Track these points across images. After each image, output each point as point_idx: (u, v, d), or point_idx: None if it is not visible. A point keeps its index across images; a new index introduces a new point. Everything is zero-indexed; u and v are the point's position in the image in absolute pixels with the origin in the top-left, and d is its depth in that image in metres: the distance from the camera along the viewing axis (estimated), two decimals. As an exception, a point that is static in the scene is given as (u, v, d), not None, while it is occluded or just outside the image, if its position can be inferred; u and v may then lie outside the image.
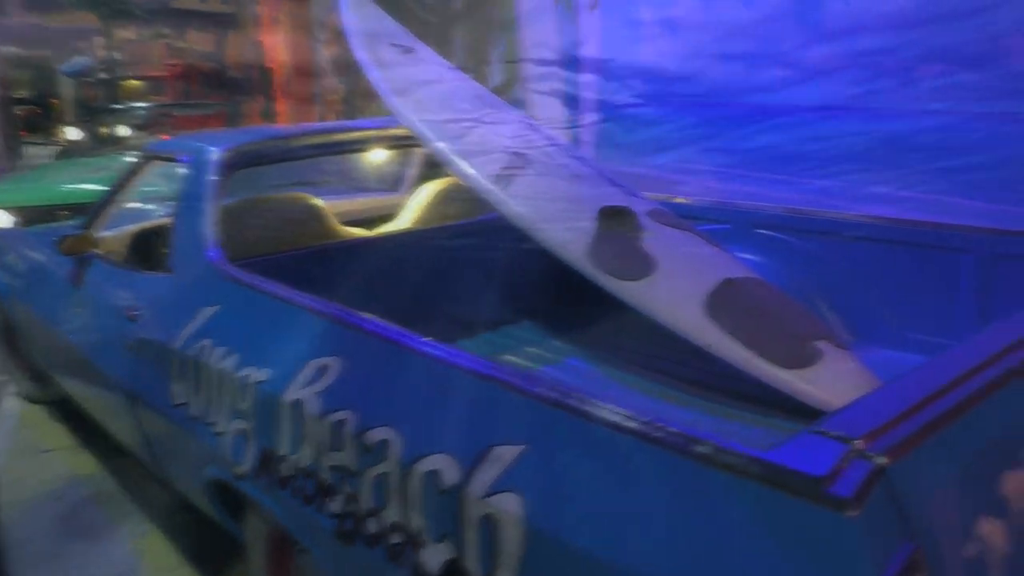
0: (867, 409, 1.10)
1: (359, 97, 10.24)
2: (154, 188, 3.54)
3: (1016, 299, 2.13)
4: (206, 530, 2.53)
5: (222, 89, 13.38)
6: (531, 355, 2.79)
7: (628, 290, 2.25)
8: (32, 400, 4.03)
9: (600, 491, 1.14)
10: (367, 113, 9.24)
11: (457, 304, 3.03)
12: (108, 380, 2.62)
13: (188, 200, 2.53)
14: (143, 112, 9.45)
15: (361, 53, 2.99)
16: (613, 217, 2.44)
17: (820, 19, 3.21)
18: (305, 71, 11.59)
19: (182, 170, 2.65)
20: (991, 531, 1.05)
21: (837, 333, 2.36)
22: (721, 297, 2.22)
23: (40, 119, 16.28)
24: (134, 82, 12.36)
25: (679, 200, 3.05)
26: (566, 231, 2.41)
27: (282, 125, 10.01)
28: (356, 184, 3.94)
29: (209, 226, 2.38)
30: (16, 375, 4.09)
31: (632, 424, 1.14)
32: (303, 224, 2.86)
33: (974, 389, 1.14)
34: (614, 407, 1.18)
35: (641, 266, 2.29)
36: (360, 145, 3.05)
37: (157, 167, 2.95)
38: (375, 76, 2.90)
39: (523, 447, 1.25)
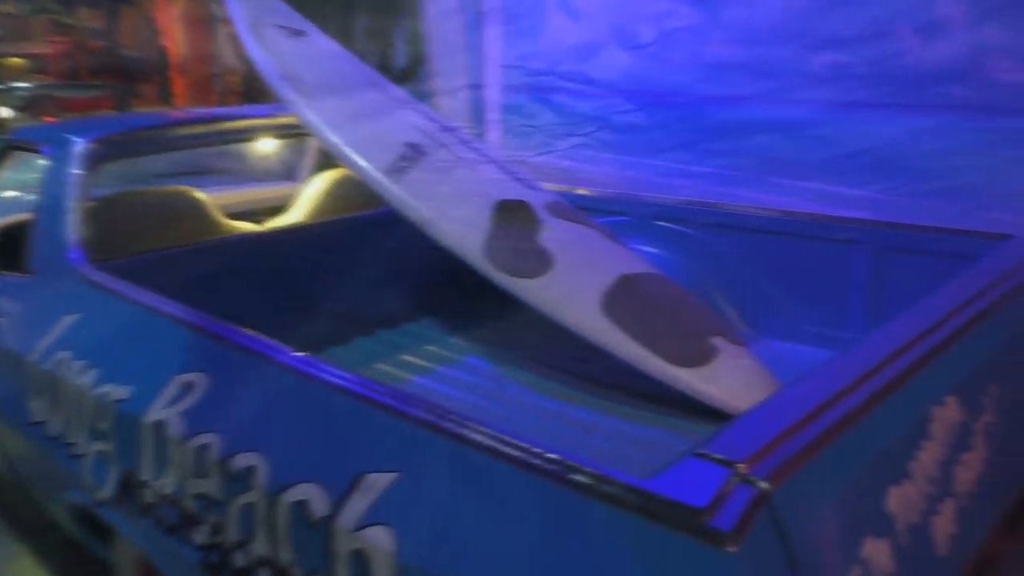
0: (751, 427, 1.06)
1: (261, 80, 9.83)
2: (23, 178, 3.27)
3: (906, 291, 2.16)
4: (76, 553, 2.34)
5: (113, 70, 12.73)
6: (430, 354, 2.69)
7: (524, 288, 2.18)
8: None
9: (475, 522, 1.06)
10: (270, 98, 8.89)
11: (353, 302, 2.90)
12: None
13: (49, 195, 2.32)
14: (24, 93, 8.86)
15: (245, 35, 2.81)
16: (509, 212, 2.36)
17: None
18: (203, 52, 11.10)
19: (44, 161, 2.43)
20: (876, 551, 1.02)
21: (732, 329, 2.35)
22: (617, 294, 2.17)
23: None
24: (15, 60, 11.58)
25: (580, 191, 3.00)
26: (460, 227, 2.32)
27: (170, 110, 9.54)
28: (252, 174, 3.74)
29: (71, 224, 2.18)
30: None
31: (509, 450, 1.06)
32: (184, 219, 2.67)
33: (860, 400, 1.11)
34: (491, 431, 1.10)
35: (537, 263, 2.22)
36: (245, 134, 2.87)
37: (20, 158, 2.71)
38: (260, 59, 2.73)
39: (396, 475, 1.16)
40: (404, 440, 1.18)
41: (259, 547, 1.30)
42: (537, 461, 1.03)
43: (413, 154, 2.53)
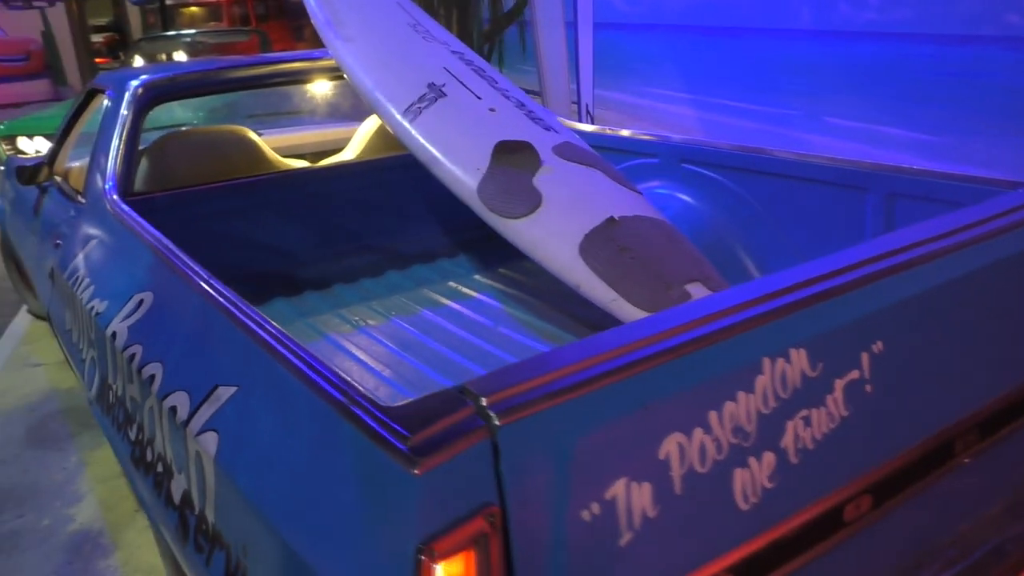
0: (520, 372, 1.07)
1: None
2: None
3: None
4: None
5: (278, 15, 13.49)
6: (449, 290, 2.79)
7: (508, 228, 2.21)
8: (38, 316, 4.29)
9: (271, 434, 1.16)
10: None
11: (392, 237, 3.04)
12: (43, 306, 2.77)
13: (104, 132, 2.60)
14: (187, 40, 9.64)
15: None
16: (509, 153, 2.38)
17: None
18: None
19: (106, 103, 2.72)
20: (630, 493, 1.02)
21: (713, 276, 2.27)
22: (599, 236, 2.15)
23: (119, 46, 16.82)
24: (193, 8, 12.56)
25: (609, 132, 2.95)
26: (460, 168, 2.37)
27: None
28: (321, 115, 3.96)
29: (113, 159, 2.44)
30: (25, 293, 4.37)
31: (309, 372, 1.14)
32: (234, 157, 2.90)
33: (651, 352, 1.08)
34: (304, 354, 1.17)
35: (525, 204, 2.24)
36: (292, 77, 3.04)
37: (99, 100, 3.03)
38: (309, 5, 2.87)
39: (236, 388, 1.28)
40: (248, 358, 1.29)
41: (157, 445, 1.47)
42: (324, 382, 1.10)
43: (432, 94, 2.59)
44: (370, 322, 2.59)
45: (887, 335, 1.29)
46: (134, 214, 2.07)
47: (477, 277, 2.89)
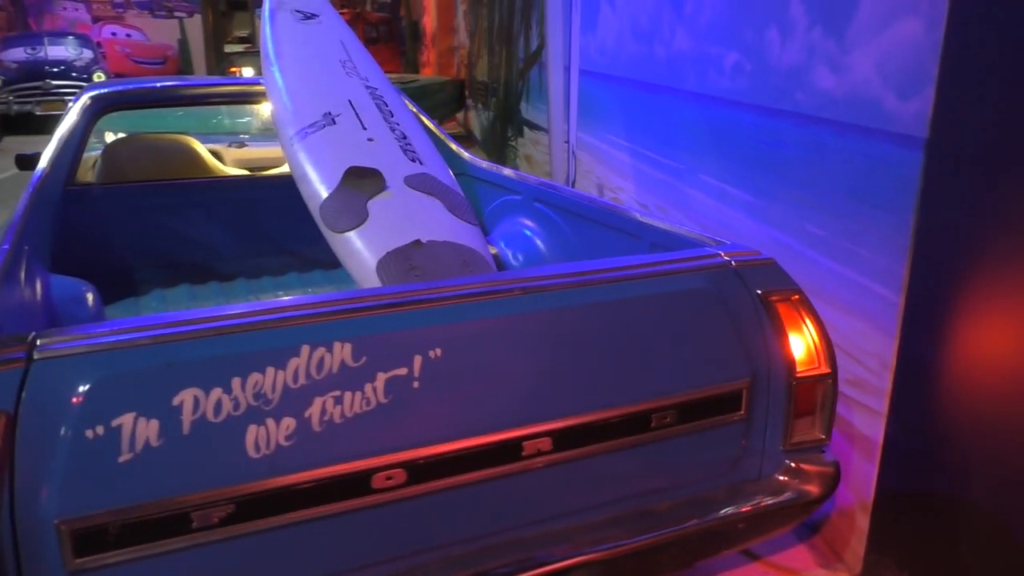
0: (80, 329, 1.43)
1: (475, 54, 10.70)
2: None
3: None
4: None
5: (387, 38, 14.38)
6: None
7: (331, 239, 2.58)
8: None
9: None
10: (481, 69, 9.71)
11: (304, 243, 3.46)
12: None
13: (62, 130, 3.16)
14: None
15: (263, 18, 3.46)
16: (356, 177, 2.75)
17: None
18: (448, 28, 12.23)
19: (70, 107, 3.29)
20: (135, 425, 1.35)
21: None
22: (399, 255, 2.48)
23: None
24: (306, 28, 13.59)
25: (494, 169, 3.27)
26: (314, 186, 2.76)
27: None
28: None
29: (61, 153, 2.99)
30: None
31: None
32: (176, 161, 3.41)
33: (171, 333, 1.43)
34: None
35: (350, 221, 2.60)
36: (222, 97, 3.53)
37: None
38: (261, 39, 3.37)
39: None
40: None
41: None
42: None
43: (323, 121, 3.00)
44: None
45: (445, 344, 1.57)
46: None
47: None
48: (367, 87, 3.36)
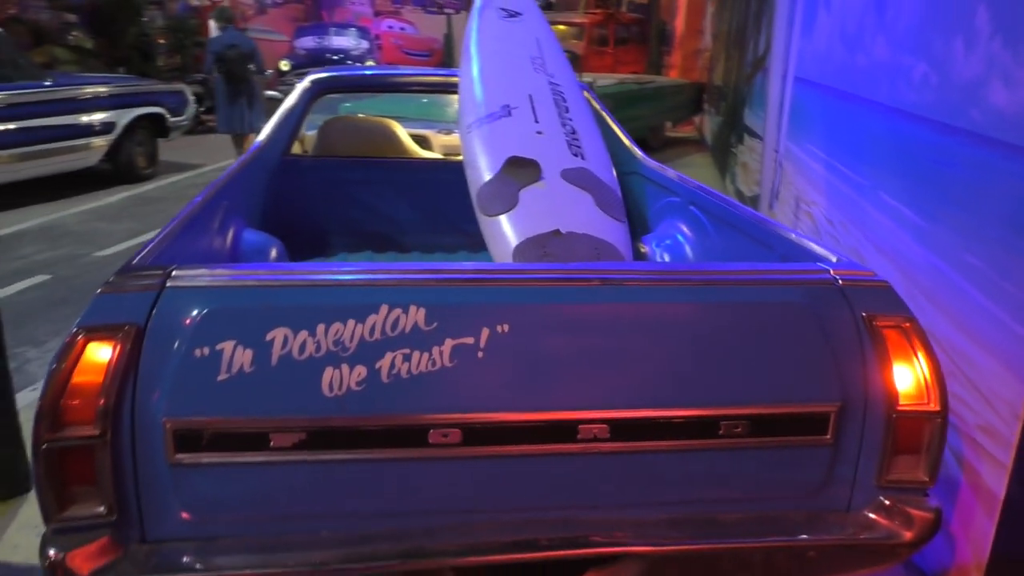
0: (208, 268, 1.71)
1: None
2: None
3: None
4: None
5: (638, 39, 14.45)
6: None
7: (481, 222, 2.76)
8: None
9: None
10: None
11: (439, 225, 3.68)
12: None
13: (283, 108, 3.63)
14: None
15: (471, 15, 3.74)
16: (515, 166, 2.91)
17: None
18: (696, 30, 12.08)
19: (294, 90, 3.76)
20: (235, 352, 1.60)
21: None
22: (536, 241, 2.61)
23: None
24: (560, 26, 14.05)
25: (659, 168, 3.26)
26: (482, 172, 2.96)
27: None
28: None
29: (281, 128, 3.45)
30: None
31: None
32: (377, 141, 3.78)
33: (278, 281, 1.66)
34: None
35: (501, 206, 2.77)
36: (424, 86, 3.82)
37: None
38: (466, 34, 3.64)
39: None
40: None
41: None
42: None
43: (501, 113, 3.20)
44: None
45: (514, 321, 1.67)
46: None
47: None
48: (551, 83, 3.50)
